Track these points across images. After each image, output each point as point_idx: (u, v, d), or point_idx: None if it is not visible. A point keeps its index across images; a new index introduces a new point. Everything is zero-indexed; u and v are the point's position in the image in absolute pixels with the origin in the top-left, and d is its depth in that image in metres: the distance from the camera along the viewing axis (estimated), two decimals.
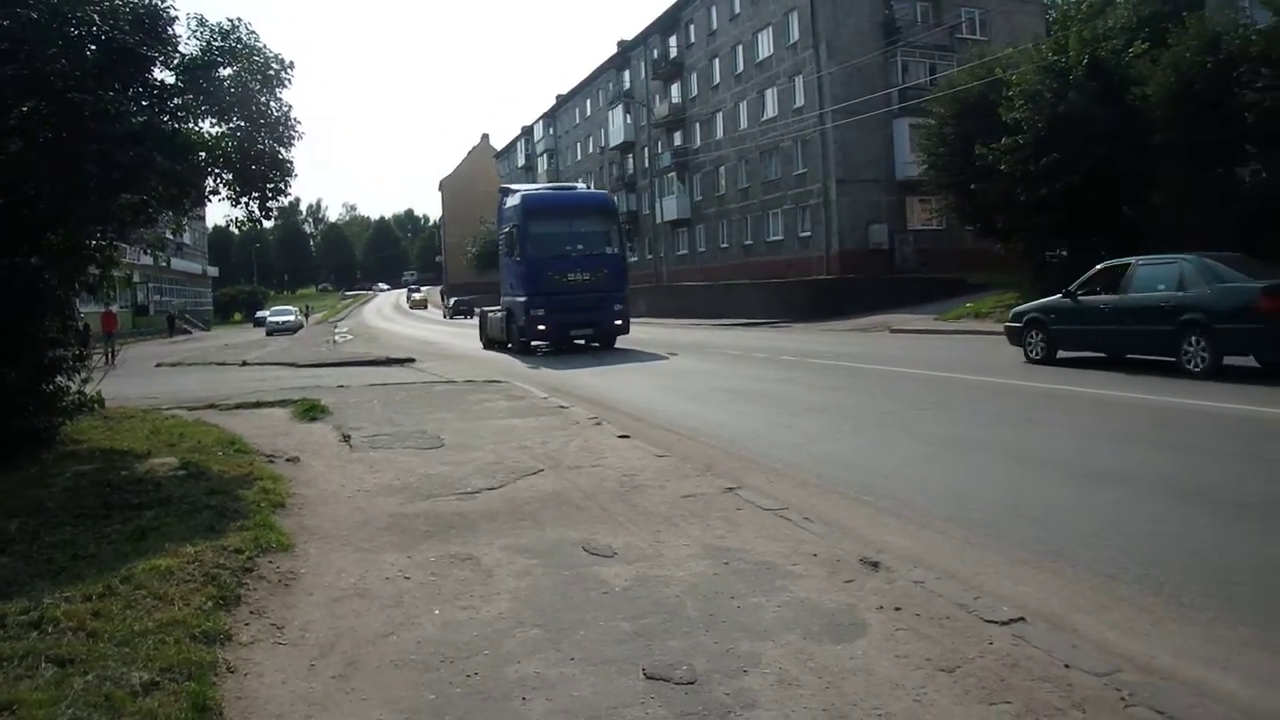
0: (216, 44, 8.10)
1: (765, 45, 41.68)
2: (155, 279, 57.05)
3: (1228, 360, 10.64)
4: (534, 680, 3.59)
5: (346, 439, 8.64)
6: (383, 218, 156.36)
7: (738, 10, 43.75)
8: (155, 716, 3.24)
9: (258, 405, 11.19)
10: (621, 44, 60.77)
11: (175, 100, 7.88)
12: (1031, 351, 13.35)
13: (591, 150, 66.03)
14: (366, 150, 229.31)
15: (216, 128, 8.29)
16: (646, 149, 54.46)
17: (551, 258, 18.88)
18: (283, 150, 8.40)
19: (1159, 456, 6.99)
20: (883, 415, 9.35)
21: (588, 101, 67.13)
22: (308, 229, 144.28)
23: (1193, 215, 20.32)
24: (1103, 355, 12.37)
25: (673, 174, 49.42)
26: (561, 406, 10.46)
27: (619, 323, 19.65)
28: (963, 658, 3.68)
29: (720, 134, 45.30)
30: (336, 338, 35.16)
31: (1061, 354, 13.03)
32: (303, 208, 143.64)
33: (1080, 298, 12.35)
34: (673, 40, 51.15)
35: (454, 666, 3.72)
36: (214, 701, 3.42)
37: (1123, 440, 7.56)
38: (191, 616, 4.01)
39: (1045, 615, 4.14)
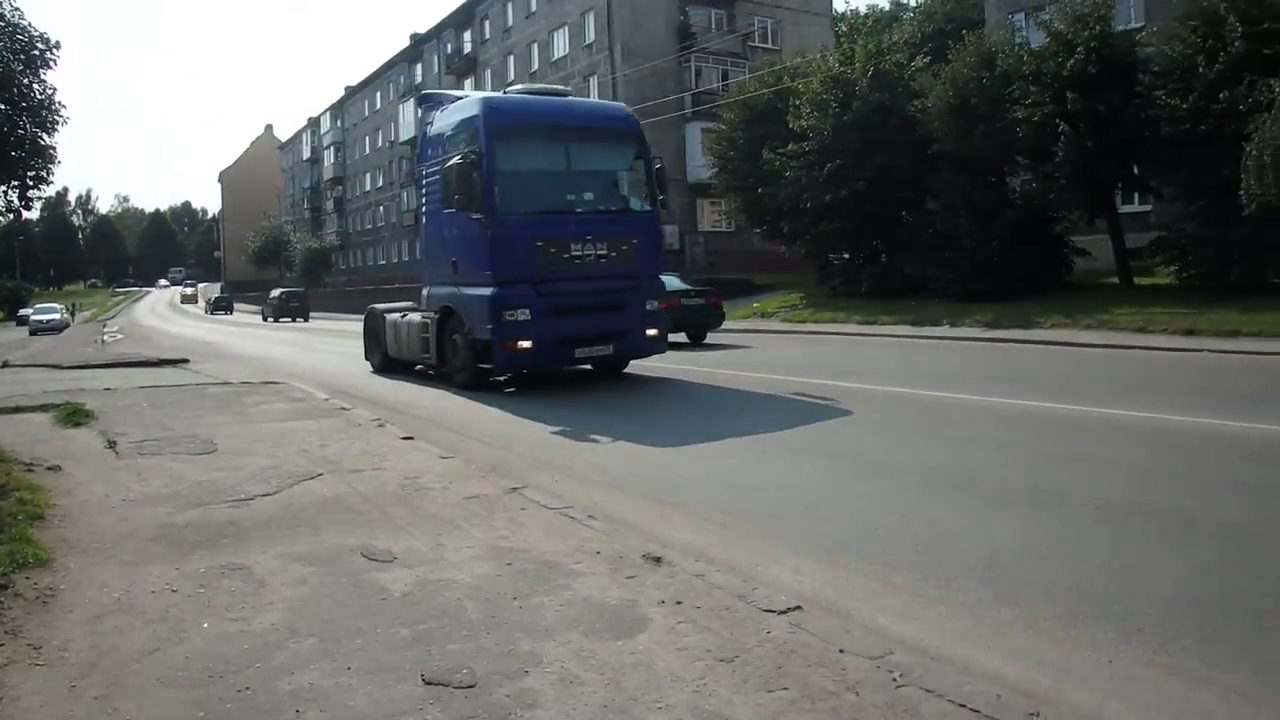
0: None
1: (561, 44, 41.77)
2: None
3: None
4: (309, 692, 3.44)
5: (112, 445, 8.00)
6: (158, 210, 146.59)
7: (534, 8, 43.62)
8: None
9: (16, 410, 10.16)
10: (414, 37, 59.31)
11: None
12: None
13: (381, 144, 64.16)
14: (141, 139, 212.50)
15: None
16: None
17: (540, 216, 11.42)
18: (45, 136, 7.60)
19: (937, 448, 7.41)
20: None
21: (378, 95, 65.18)
22: (76, 221, 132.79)
23: (966, 222, 21.70)
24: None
25: None
26: (343, 408, 10.04)
27: (654, 333, 12.22)
28: (741, 647, 3.75)
29: None
30: (105, 337, 32.42)
31: None
32: (71, 198, 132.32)
33: None
34: (467, 35, 50.40)
35: (224, 682, 3.54)
36: None
37: (905, 433, 8.03)
38: None
39: (822, 604, 4.27)
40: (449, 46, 51.46)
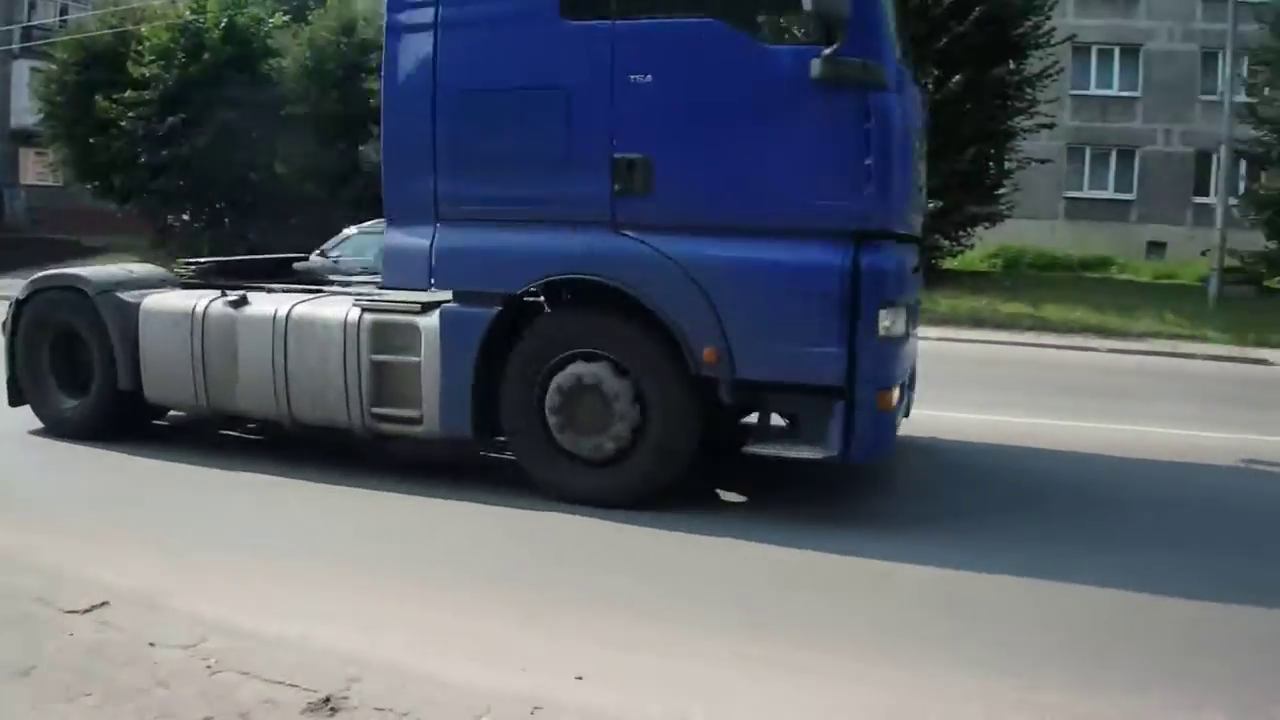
0: None
1: None
2: None
3: None
4: None
5: None
6: None
7: None
8: None
9: None
10: None
11: None
12: None
13: None
14: None
15: None
16: None
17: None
18: None
19: None
20: None
21: None
22: None
23: (315, 187, 21.29)
24: None
25: None
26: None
27: None
28: (40, 655, 3.35)
29: None
30: None
31: None
32: None
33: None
34: None
35: None
36: None
37: None
38: None
39: (133, 597, 3.94)
40: None
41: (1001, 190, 17.90)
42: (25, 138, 30.73)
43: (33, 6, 31.87)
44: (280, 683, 3.18)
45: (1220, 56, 20.02)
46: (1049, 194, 22.90)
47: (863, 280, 4.58)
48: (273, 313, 5.64)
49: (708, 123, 4.71)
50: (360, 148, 22.42)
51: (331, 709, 3.00)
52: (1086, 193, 24.32)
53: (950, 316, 13.54)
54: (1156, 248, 23.25)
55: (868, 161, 4.50)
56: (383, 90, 5.44)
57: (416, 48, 5.20)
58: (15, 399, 6.46)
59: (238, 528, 4.77)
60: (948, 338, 12.07)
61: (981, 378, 9.47)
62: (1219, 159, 15.62)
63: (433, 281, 5.21)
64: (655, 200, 4.81)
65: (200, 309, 5.88)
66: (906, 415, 5.79)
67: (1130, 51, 23.40)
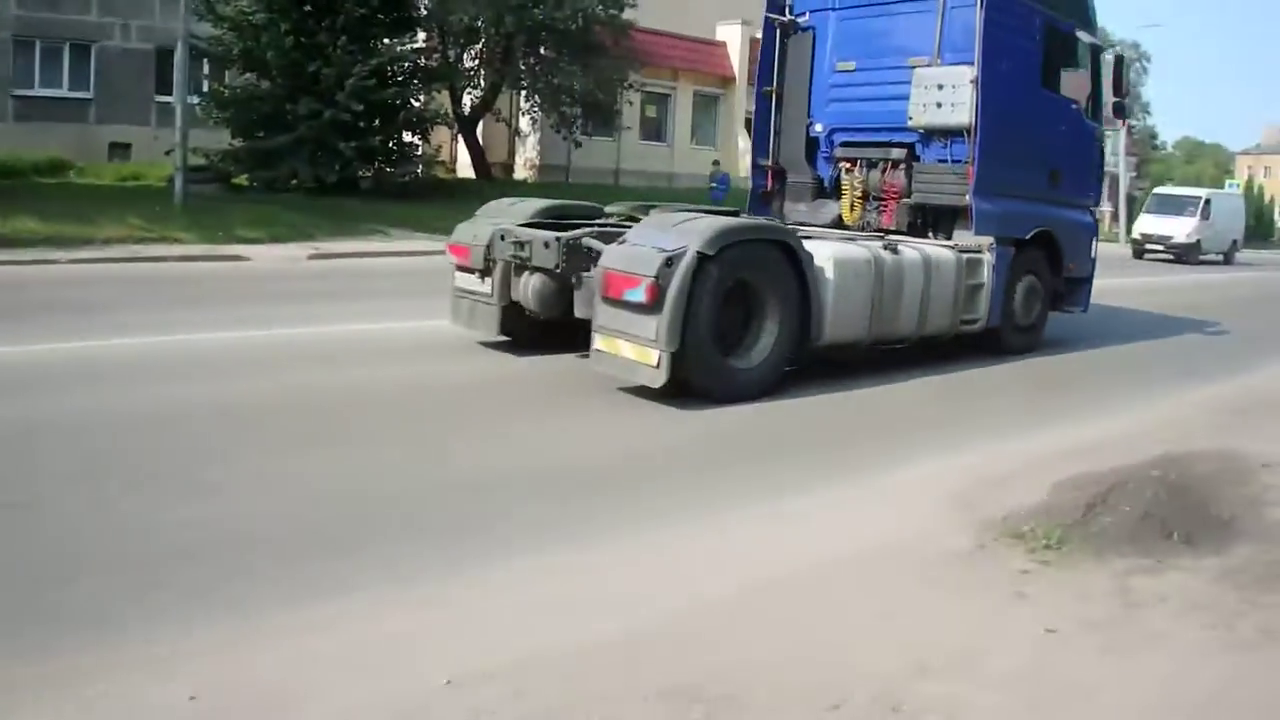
0: None
1: None
2: None
3: None
4: None
5: None
6: None
7: None
8: None
9: None
10: None
11: None
12: None
13: None
14: None
15: None
16: None
17: None
18: None
19: None
20: None
21: None
22: None
23: None
24: None
25: None
26: None
27: None
28: None
29: None
30: None
31: None
32: None
33: None
34: None
35: None
36: None
37: None
38: None
39: None
40: None
41: None
42: None
43: None
44: None
45: None
46: None
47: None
48: (922, 257, 7.89)
49: (1067, 151, 9.72)
50: None
51: None
52: (38, 91, 21.89)
53: None
54: (120, 149, 22.34)
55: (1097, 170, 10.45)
56: (980, 102, 8.52)
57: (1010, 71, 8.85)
58: (695, 370, 6.20)
59: None
60: None
61: None
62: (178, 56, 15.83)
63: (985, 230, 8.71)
64: (1058, 191, 9.63)
65: (874, 257, 7.44)
66: None
67: None
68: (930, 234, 9.00)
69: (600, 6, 22.84)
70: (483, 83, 24.56)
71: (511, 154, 28.11)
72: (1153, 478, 5.00)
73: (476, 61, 24.26)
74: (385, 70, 19.51)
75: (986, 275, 8.54)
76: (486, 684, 2.87)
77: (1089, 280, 10.24)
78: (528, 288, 7.03)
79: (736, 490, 4.91)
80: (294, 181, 18.67)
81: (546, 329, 7.37)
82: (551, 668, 3.01)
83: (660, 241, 6.32)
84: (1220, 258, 28.57)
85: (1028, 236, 9.12)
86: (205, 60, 20.79)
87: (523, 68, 23.47)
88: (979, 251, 8.54)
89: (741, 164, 24.23)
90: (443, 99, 23.64)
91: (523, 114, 26.54)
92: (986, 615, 3.58)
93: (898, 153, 9.16)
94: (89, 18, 22.50)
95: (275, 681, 2.90)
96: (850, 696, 2.93)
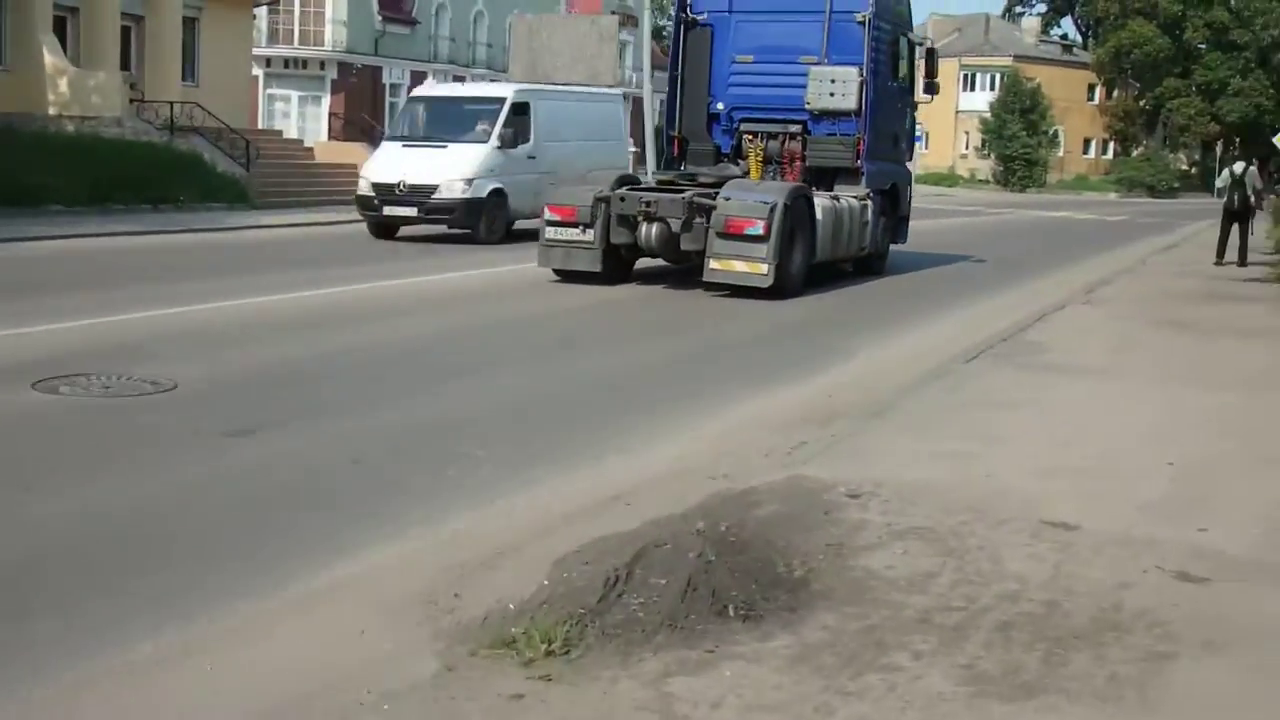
0: None
1: None
2: None
3: None
4: None
5: None
6: None
7: None
8: None
9: None
10: None
11: None
12: None
13: None
14: None
15: None
16: None
17: None
18: None
19: None
20: None
21: None
22: None
23: None
24: None
25: None
26: None
27: None
28: None
29: None
30: None
31: None
32: None
33: None
34: None
35: None
36: None
37: None
38: None
39: None
40: None
41: None
42: None
43: None
44: None
45: None
46: None
47: None
48: (847, 204, 15.21)
49: (902, 123, 17.87)
50: None
51: None
52: None
53: None
54: None
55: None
56: (868, 93, 15.45)
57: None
58: (781, 275, 13.45)
59: None
60: None
61: None
62: None
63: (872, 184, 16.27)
64: (897, 152, 17.78)
65: (833, 205, 14.93)
66: None
67: None
68: (817, 188, 15.31)
69: None
70: None
71: None
72: (697, 533, 4.60)
73: None
74: None
75: (871, 216, 16.00)
76: None
77: (908, 219, 18.21)
78: (650, 233, 13.67)
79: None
80: None
81: (624, 265, 14.53)
82: None
83: (760, 196, 13.47)
84: None
85: (886, 188, 16.77)
86: None
87: None
88: (866, 200, 15.98)
89: None
90: None
91: None
92: None
93: (795, 128, 15.90)
94: None
95: None
96: None
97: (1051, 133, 78.24)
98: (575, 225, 14.03)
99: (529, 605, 3.97)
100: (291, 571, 4.57)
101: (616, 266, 14.34)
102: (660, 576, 4.13)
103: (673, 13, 16.93)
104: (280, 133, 33.79)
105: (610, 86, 45.67)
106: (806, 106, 15.67)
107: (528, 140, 20.33)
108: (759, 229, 13.18)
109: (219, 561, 4.72)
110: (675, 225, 13.69)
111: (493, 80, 35.47)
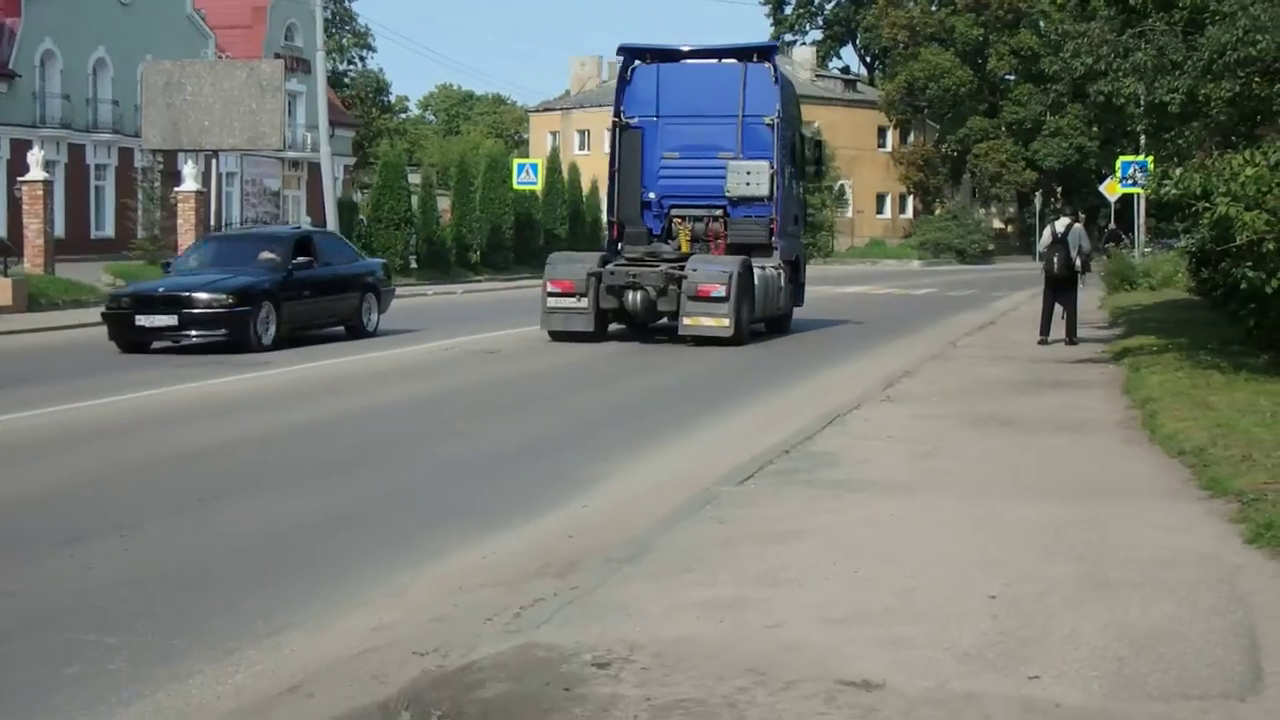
0: None
1: None
2: None
3: None
4: None
5: None
6: None
7: None
8: None
9: None
10: None
11: None
12: None
13: None
14: None
15: None
16: None
17: None
18: None
19: None
20: None
21: None
22: None
23: None
24: None
25: None
26: None
27: None
28: None
29: None
30: None
31: None
32: None
33: None
34: None
35: None
36: None
37: None
38: None
39: None
40: None
41: None
42: None
43: None
44: None
45: None
46: None
47: None
48: (769, 272, 24.71)
49: (798, 204, 29.68)
50: None
51: None
52: None
53: None
54: None
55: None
56: (777, 183, 25.26)
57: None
58: (738, 328, 22.85)
59: None
60: None
61: None
62: None
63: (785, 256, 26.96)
64: (796, 228, 29.59)
65: (762, 271, 24.28)
66: None
67: None
68: None
69: None
70: None
71: None
72: None
73: None
74: None
75: (783, 282, 24.90)
76: None
77: (803, 286, 27.24)
78: (636, 299, 22.94)
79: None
80: None
81: (608, 323, 23.75)
82: None
83: (721, 267, 22.72)
84: None
85: (793, 258, 25.95)
86: None
87: None
88: (779, 269, 24.75)
89: None
90: None
91: None
92: None
93: (717, 212, 24.67)
94: None
95: None
96: None
97: (837, 188, 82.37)
98: (573, 295, 23.06)
99: None
100: None
101: (603, 327, 23.66)
102: None
103: (610, 122, 26.58)
104: None
105: (277, 150, 46.43)
106: (726, 194, 24.92)
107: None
108: (722, 292, 22.30)
109: None
110: (653, 293, 23.02)
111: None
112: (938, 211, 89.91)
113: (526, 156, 76.40)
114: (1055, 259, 21.84)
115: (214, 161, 40.37)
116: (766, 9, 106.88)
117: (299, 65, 61.72)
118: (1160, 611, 6.48)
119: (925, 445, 11.81)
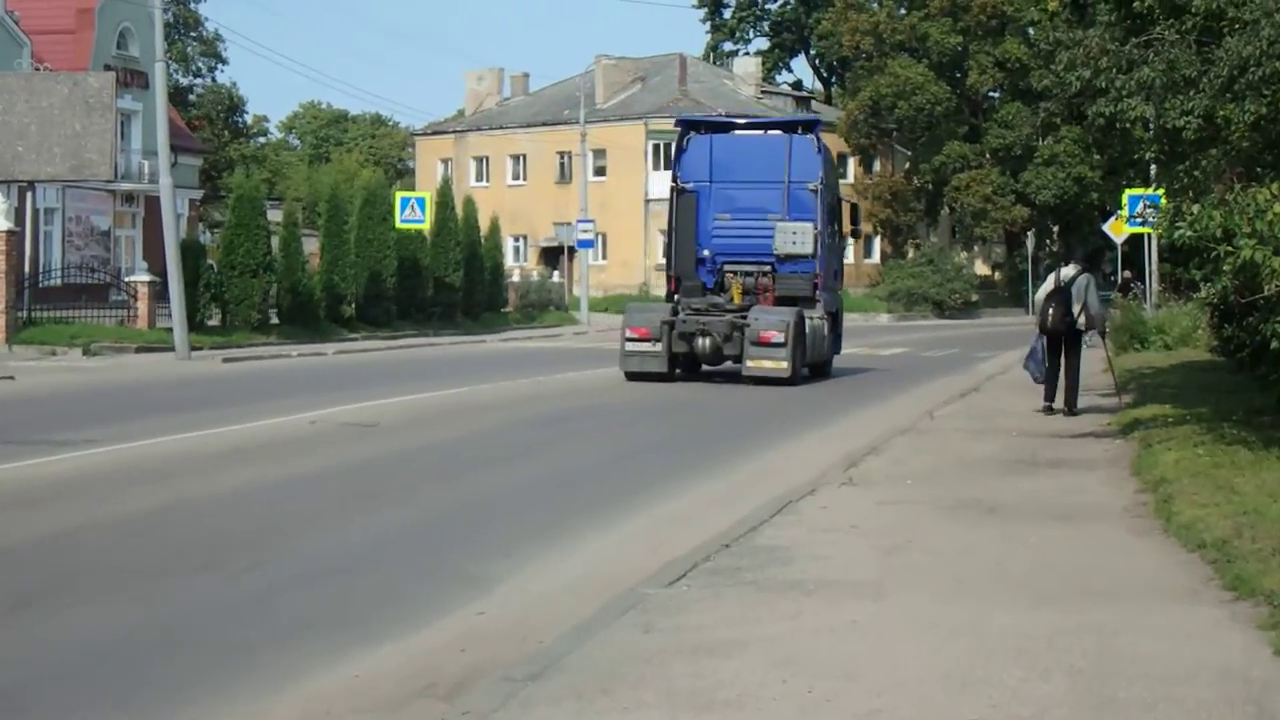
0: None
1: None
2: None
3: None
4: None
5: None
6: None
7: None
8: None
9: None
10: None
11: None
12: None
13: None
14: None
15: None
16: None
17: None
18: None
19: None
20: None
21: None
22: None
23: None
24: None
25: None
26: None
27: None
28: None
29: None
30: None
31: None
32: None
33: None
34: None
35: None
36: None
37: None
38: None
39: None
40: None
41: None
42: None
43: None
44: None
45: None
46: None
47: None
48: (817, 321, 34.65)
49: (838, 260, 42.06)
50: None
51: None
52: None
53: None
54: None
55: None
56: (819, 242, 35.56)
57: None
58: (795, 371, 32.46)
59: None
60: None
61: None
62: None
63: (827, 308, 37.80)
64: (836, 283, 41.23)
65: (811, 320, 33.95)
66: None
67: None
68: None
69: None
70: None
71: None
72: None
73: None
74: None
75: (826, 332, 35.06)
76: None
77: (841, 336, 38.67)
78: (705, 344, 32.45)
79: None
80: None
81: (678, 366, 33.19)
82: None
83: (779, 316, 32.38)
84: None
85: (834, 310, 36.78)
86: None
87: None
88: (822, 319, 34.78)
89: None
90: None
91: None
92: None
93: (765, 268, 34.45)
94: None
95: None
96: None
97: None
98: (649, 340, 31.75)
99: None
100: None
101: (674, 369, 32.13)
102: None
103: (670, 181, 35.80)
104: None
105: (107, 181, 45.93)
106: (774, 252, 33.79)
107: None
108: (781, 338, 30.98)
109: None
110: (720, 339, 31.57)
111: None
112: (910, 255, 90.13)
113: (412, 189, 76.64)
114: (1051, 311, 22.01)
115: (29, 195, 39.87)
116: (702, 13, 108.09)
117: (134, 79, 61.18)
118: None
119: (894, 538, 11.87)
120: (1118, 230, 44.02)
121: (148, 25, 48.25)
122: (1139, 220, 29.27)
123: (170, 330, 39.70)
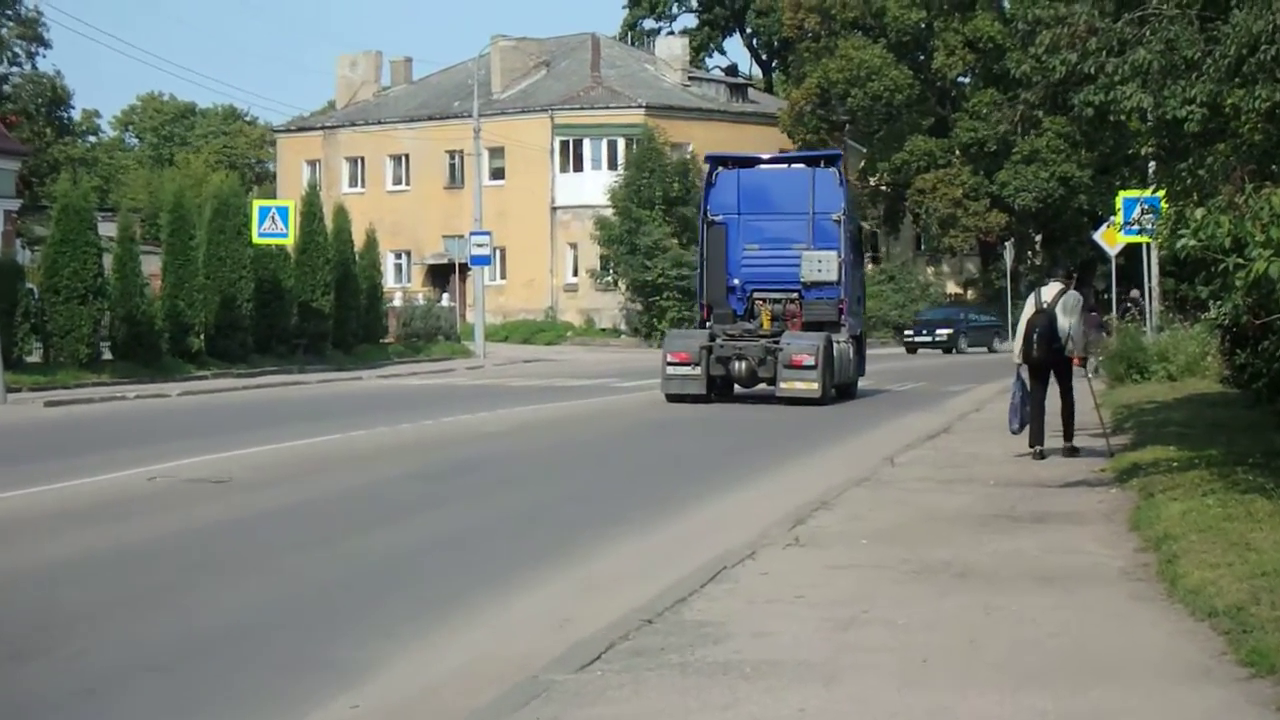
0: None
1: None
2: None
3: None
4: None
5: None
6: None
7: None
8: None
9: None
10: None
11: None
12: None
13: None
14: None
15: None
16: None
17: None
18: None
19: None
20: None
21: None
22: None
23: None
24: None
25: None
26: None
27: None
28: None
29: None
30: None
31: None
32: None
33: None
34: None
35: None
36: None
37: None
38: None
39: None
40: None
41: None
42: None
43: None
44: None
45: None
46: None
47: None
48: (843, 344, 44.44)
49: (861, 284, 54.98)
50: None
51: None
52: None
53: None
54: None
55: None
56: (843, 269, 44.75)
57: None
58: (825, 392, 41.71)
59: None
60: None
61: None
62: None
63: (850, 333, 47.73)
64: (859, 306, 53.07)
65: (838, 343, 43.76)
66: None
67: None
68: None
69: None
70: None
71: None
72: None
73: None
74: None
75: (851, 355, 45.21)
76: None
77: (864, 358, 48.90)
78: (741, 368, 42.52)
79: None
80: None
81: (718, 388, 43.24)
82: None
83: (810, 341, 41.98)
84: None
85: (858, 334, 47.43)
86: None
87: None
88: (848, 342, 44.71)
89: None
90: None
91: None
92: None
93: (793, 294, 43.98)
94: None
95: None
96: None
97: None
98: (689, 364, 39.70)
99: None
100: None
101: (712, 391, 40.11)
102: None
103: (700, 216, 44.33)
104: None
105: None
106: (801, 280, 41.79)
107: None
108: (812, 361, 39.07)
109: None
110: (754, 362, 40.07)
111: None
112: (867, 269, 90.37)
113: (273, 196, 76.46)
114: (1035, 337, 21.94)
115: None
116: None
117: None
118: None
119: (849, 609, 11.86)
120: (1111, 240, 44.49)
121: None
122: (1135, 228, 28.92)
123: None
